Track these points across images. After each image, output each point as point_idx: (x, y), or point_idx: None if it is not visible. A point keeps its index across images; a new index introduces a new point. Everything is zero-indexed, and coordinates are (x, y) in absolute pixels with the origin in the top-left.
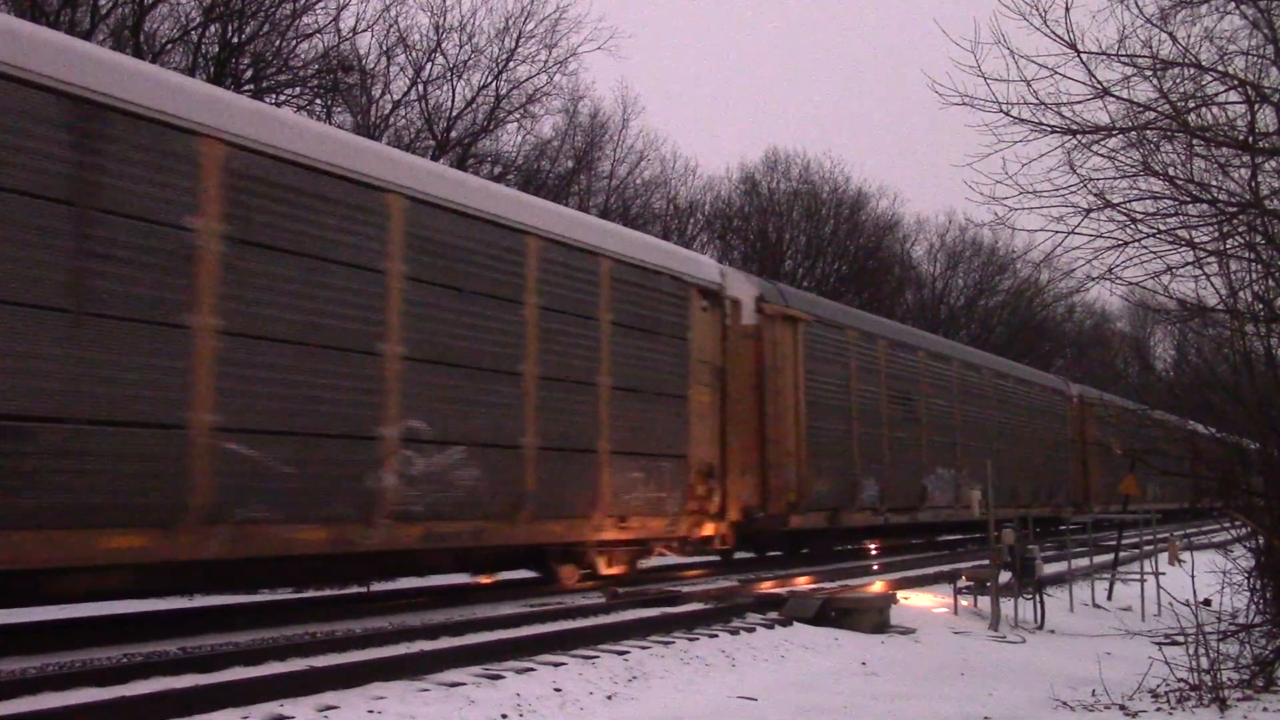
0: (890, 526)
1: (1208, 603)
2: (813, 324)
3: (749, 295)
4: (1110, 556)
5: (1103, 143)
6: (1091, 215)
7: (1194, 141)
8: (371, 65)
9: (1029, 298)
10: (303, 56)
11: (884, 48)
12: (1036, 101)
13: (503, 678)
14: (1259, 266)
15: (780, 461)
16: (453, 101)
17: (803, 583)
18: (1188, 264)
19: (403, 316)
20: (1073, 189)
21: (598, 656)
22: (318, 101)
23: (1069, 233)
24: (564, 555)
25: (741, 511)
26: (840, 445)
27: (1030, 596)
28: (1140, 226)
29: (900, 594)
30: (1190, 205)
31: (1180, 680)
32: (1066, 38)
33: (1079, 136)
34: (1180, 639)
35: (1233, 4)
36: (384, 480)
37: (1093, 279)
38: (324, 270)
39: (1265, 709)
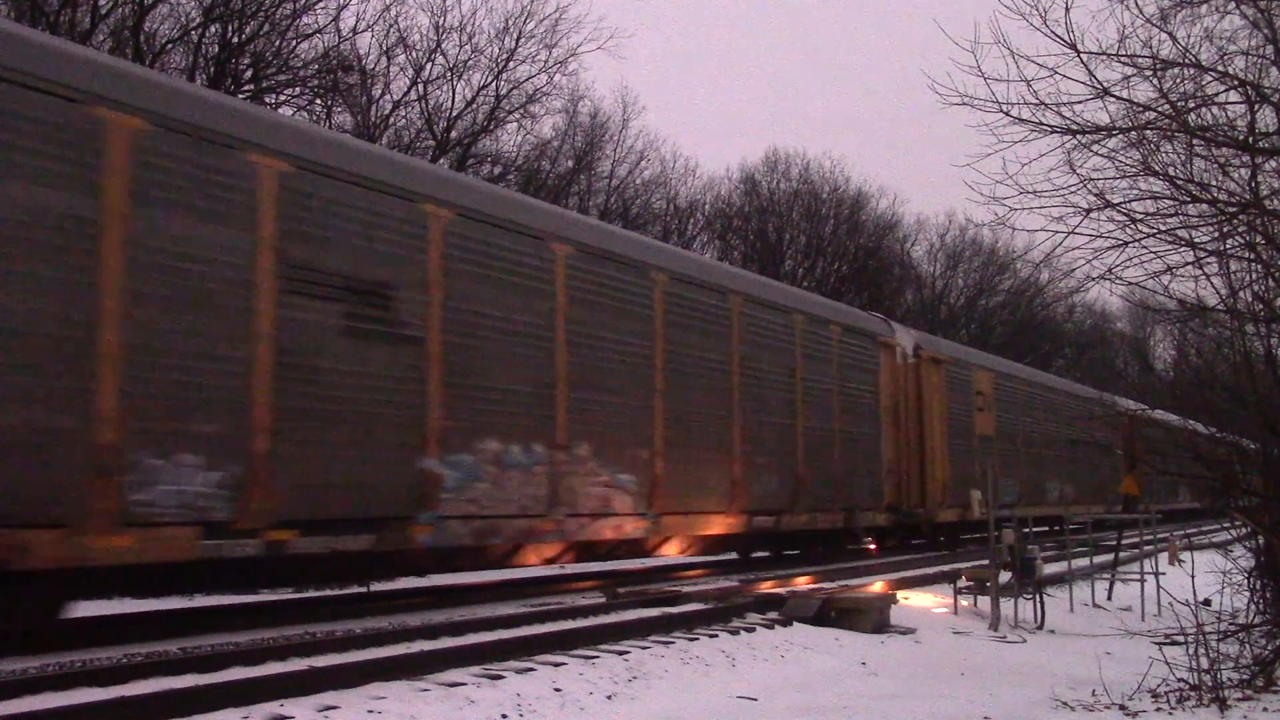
0: (287, 560)
1: (1208, 603)
2: None
3: None
4: (1110, 556)
5: (1103, 143)
6: (1091, 215)
7: (1194, 141)
8: (371, 65)
9: (1029, 298)
10: (303, 57)
11: (884, 48)
12: (1036, 101)
13: (503, 678)
14: (1259, 266)
15: None
16: (453, 101)
17: (803, 583)
18: (1188, 264)
19: None
20: (1073, 189)
21: (598, 656)
22: (318, 102)
23: (1069, 233)
24: None
25: None
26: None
27: (1030, 596)
28: (1140, 226)
29: (900, 594)
30: (1190, 205)
31: (1180, 680)
32: (1066, 38)
33: (1079, 136)
34: (1180, 639)
35: (1233, 4)
36: None
37: (1093, 279)
38: None
39: (1265, 709)
